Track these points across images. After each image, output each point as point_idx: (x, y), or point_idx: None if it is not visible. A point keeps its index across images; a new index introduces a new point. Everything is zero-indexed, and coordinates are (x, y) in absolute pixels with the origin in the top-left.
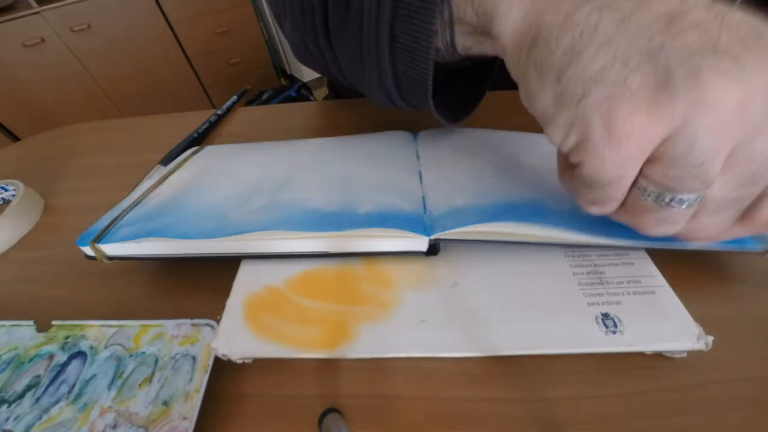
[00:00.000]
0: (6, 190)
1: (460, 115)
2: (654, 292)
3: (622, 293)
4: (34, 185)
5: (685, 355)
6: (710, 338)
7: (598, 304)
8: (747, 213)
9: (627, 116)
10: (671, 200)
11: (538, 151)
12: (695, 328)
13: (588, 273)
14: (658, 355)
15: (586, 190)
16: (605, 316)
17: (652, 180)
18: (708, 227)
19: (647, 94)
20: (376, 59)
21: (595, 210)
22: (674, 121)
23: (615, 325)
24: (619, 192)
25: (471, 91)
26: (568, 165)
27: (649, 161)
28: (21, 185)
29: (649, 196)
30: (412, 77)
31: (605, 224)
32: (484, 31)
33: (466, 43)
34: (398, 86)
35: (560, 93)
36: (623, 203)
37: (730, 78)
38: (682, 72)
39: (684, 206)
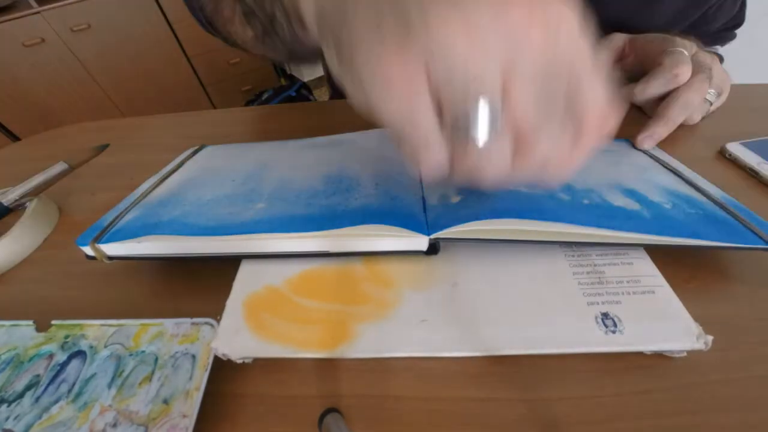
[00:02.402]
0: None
1: None
2: (654, 292)
3: (622, 293)
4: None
5: (684, 354)
6: (710, 338)
7: (597, 303)
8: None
9: (385, 63)
10: (468, 120)
11: None
12: (695, 328)
13: (588, 273)
14: (658, 355)
15: (403, 145)
16: (605, 315)
17: (447, 108)
18: (531, 155)
19: (395, 38)
20: None
21: (425, 166)
22: (423, 56)
23: (615, 325)
24: (420, 131)
25: None
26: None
27: (434, 94)
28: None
29: (453, 126)
30: None
31: (606, 217)
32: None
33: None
34: None
35: (339, 57)
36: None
37: (453, 20)
38: (418, 20)
39: (487, 123)
